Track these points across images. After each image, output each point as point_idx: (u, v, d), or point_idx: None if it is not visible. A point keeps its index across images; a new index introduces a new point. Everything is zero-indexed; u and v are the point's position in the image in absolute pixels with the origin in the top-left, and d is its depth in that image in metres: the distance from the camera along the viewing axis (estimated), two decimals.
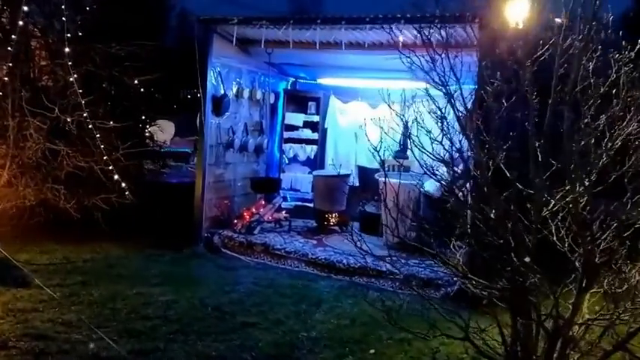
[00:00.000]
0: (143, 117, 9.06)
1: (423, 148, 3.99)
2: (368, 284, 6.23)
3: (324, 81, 8.28)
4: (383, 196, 7.34)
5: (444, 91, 3.91)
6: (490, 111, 3.69)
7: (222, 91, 7.39)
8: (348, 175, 8.06)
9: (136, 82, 7.48)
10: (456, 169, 7.14)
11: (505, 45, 3.81)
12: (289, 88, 8.96)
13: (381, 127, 4.37)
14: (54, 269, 6.00)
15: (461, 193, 4.17)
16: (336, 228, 7.86)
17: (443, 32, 5.34)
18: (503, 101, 3.55)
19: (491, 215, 3.52)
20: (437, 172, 6.87)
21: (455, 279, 5.96)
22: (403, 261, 6.67)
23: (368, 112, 8.44)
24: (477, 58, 4.99)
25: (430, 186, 7.10)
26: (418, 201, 7.16)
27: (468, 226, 3.95)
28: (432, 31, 5.68)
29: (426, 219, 7.02)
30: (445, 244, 6.07)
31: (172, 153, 14.26)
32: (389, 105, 4.63)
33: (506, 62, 3.64)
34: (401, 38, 5.76)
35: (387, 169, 8.06)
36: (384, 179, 7.33)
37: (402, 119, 4.37)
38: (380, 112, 8.37)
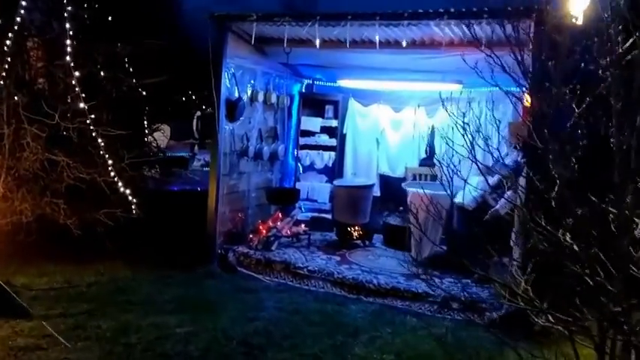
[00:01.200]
0: (147, 122, 8.48)
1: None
2: (403, 307, 5.65)
3: (344, 83, 7.70)
4: (412, 208, 6.80)
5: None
6: (557, 115, 3.12)
7: (237, 95, 6.78)
8: (372, 185, 7.49)
9: (138, 84, 6.90)
10: (491, 178, 6.55)
11: (572, 41, 3.22)
12: (305, 90, 8.37)
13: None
14: (55, 295, 5.37)
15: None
16: (359, 242, 7.28)
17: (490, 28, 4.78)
18: (573, 106, 3.00)
19: (566, 238, 2.95)
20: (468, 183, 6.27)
21: (501, 302, 5.45)
22: (438, 280, 6.13)
23: (391, 116, 7.89)
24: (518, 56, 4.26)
25: (464, 197, 6.54)
26: (450, 214, 6.59)
27: (538, 246, 3.35)
28: (479, 26, 5.14)
29: (462, 233, 6.50)
30: (488, 263, 5.49)
31: (171, 158, 13.61)
32: (446, 109, 4.10)
33: (577, 61, 3.06)
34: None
35: (411, 177, 7.54)
36: (412, 189, 6.80)
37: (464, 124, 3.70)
38: (404, 115, 7.84)
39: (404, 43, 5.45)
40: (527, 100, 5.98)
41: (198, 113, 22.69)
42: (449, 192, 6.03)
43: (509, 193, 6.20)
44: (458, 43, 5.66)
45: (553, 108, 3.05)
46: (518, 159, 6.09)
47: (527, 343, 4.27)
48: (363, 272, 6.24)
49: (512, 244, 5.62)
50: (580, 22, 3.50)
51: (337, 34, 5.79)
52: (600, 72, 2.89)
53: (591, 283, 2.81)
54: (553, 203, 3.01)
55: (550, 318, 3.24)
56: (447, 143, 7.07)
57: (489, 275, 4.71)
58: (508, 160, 6.07)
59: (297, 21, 5.78)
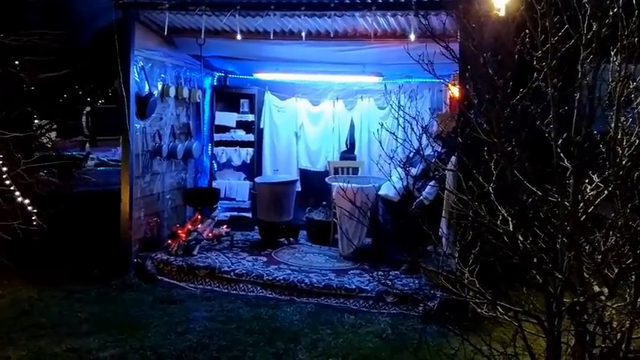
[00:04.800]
0: (39, 121, 7.66)
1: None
2: (338, 306, 5.52)
3: (260, 75, 7.40)
4: (337, 203, 6.68)
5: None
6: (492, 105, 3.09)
7: (148, 90, 6.25)
8: (296, 181, 7.28)
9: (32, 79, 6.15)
10: (413, 169, 6.56)
11: (505, 33, 3.22)
12: (217, 83, 7.95)
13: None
14: None
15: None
16: (284, 240, 7.05)
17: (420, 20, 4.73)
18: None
19: (510, 228, 2.95)
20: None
21: (438, 292, 5.47)
22: (368, 275, 6.07)
23: (309, 109, 7.72)
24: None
25: (388, 189, 6.53)
26: (375, 206, 6.55)
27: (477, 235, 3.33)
28: (409, 18, 5.09)
29: (388, 226, 6.48)
30: (418, 253, 5.51)
31: (65, 158, 12.48)
32: (389, 102, 4.02)
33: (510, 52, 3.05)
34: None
35: (333, 172, 7.43)
36: (337, 184, 6.69)
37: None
38: (322, 108, 7.71)
39: (331, 34, 5.27)
40: (452, 91, 6.04)
41: (88, 109, 21.17)
42: (398, 184, 5.84)
43: (432, 182, 6.29)
44: (381, 35, 5.59)
45: (486, 98, 3.02)
46: (440, 150, 6.16)
47: (463, 330, 4.31)
48: (293, 272, 6.03)
49: (441, 233, 5.70)
50: (502, 13, 3.52)
51: (259, 25, 5.50)
52: (535, 63, 2.90)
53: (537, 274, 2.82)
54: (492, 193, 2.99)
55: (499, 308, 3.22)
56: (373, 134, 6.93)
57: (424, 266, 4.67)
58: (428, 151, 6.15)
59: (214, 10, 5.40)
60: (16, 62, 6.28)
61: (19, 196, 5.48)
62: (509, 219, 2.88)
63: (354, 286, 5.68)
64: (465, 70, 4.05)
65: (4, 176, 5.35)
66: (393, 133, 3.53)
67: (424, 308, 5.36)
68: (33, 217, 5.64)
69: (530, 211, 2.90)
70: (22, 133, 5.44)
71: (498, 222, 2.89)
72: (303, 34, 5.41)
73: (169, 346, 4.45)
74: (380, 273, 6.04)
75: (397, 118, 3.90)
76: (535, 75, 2.88)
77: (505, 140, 2.87)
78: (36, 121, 8.38)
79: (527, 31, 2.87)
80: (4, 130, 5.52)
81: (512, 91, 2.93)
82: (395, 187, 6.18)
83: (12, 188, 5.43)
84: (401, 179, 5.80)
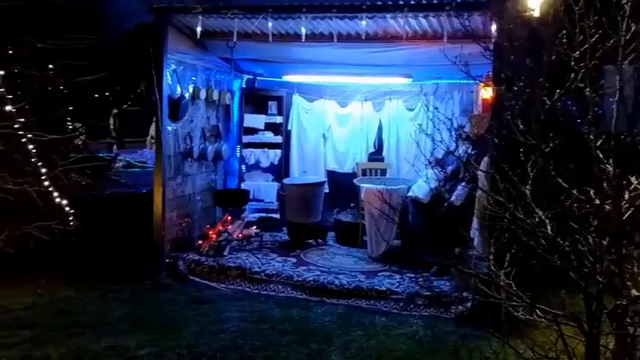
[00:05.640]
0: (79, 124, 7.81)
1: None
2: (368, 307, 5.53)
3: (289, 77, 7.45)
4: (365, 205, 6.68)
5: None
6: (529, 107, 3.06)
7: (179, 93, 6.35)
8: (324, 182, 7.31)
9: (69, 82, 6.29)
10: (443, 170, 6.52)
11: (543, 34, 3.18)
12: (246, 86, 8.02)
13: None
14: None
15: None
16: (312, 241, 7.08)
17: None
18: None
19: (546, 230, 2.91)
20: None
21: (474, 295, 5.43)
22: (398, 276, 6.08)
23: (337, 110, 7.74)
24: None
25: (418, 191, 6.51)
26: (405, 208, 6.53)
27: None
28: (441, 19, 5.08)
29: (417, 227, 6.47)
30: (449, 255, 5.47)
31: (98, 159, 12.68)
32: (426, 105, 4.02)
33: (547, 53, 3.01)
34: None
35: (361, 173, 7.43)
36: (366, 185, 6.70)
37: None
38: (350, 110, 7.73)
39: (362, 36, 5.29)
40: (485, 91, 5.99)
41: (115, 111, 21.49)
42: (429, 185, 5.77)
43: (463, 183, 6.25)
44: (412, 36, 5.58)
45: (525, 99, 3.00)
46: (469, 151, 6.12)
47: (500, 333, 4.28)
48: (323, 273, 6.07)
49: (472, 235, 5.66)
50: (537, 14, 3.49)
51: (290, 27, 5.54)
52: (573, 64, 2.87)
53: (577, 277, 2.79)
54: (529, 195, 2.97)
55: (537, 311, 3.18)
56: (410, 134, 6.86)
57: (460, 267, 4.64)
58: (460, 152, 6.10)
59: (246, 14, 5.46)
60: (50, 66, 6.44)
61: (56, 197, 5.60)
62: (547, 221, 2.87)
63: (384, 288, 5.68)
64: (500, 71, 4.04)
65: (43, 177, 5.47)
66: (430, 135, 3.54)
67: (457, 310, 5.33)
68: (70, 218, 5.76)
69: (571, 213, 2.87)
70: (60, 136, 5.52)
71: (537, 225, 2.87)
72: (335, 36, 5.44)
73: (204, 345, 4.51)
74: (418, 275, 6.04)
75: (432, 120, 3.92)
76: (572, 75, 2.87)
77: (543, 141, 2.86)
78: (69, 124, 8.56)
79: (564, 32, 2.86)
80: (45, 133, 5.66)
81: (550, 91, 2.92)
82: (431, 188, 6.16)
83: (50, 189, 5.55)
84: (438, 180, 5.78)
